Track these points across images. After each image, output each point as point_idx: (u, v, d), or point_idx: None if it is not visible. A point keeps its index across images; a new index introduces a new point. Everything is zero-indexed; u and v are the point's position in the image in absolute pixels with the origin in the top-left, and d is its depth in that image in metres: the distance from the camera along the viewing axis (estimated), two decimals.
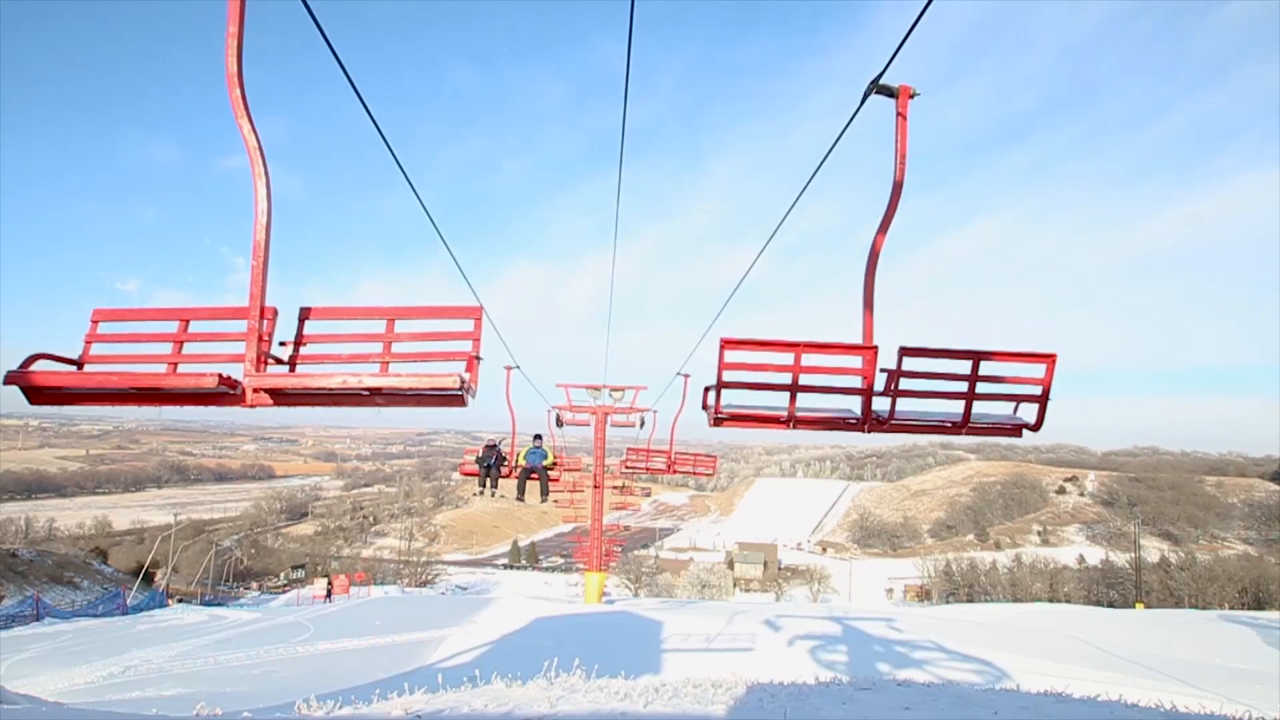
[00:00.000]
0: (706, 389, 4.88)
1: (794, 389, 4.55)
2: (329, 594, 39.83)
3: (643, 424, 22.53)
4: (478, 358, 4.16)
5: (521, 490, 15.09)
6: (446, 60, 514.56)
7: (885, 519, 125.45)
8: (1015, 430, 4.93)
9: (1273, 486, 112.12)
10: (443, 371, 4.01)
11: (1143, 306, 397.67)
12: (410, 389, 4.02)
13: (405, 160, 4.84)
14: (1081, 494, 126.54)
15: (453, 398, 4.00)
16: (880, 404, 4.66)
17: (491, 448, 15.19)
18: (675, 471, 22.61)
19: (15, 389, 3.79)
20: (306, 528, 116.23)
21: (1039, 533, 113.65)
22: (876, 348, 4.49)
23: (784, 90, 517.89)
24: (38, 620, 23.80)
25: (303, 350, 4.23)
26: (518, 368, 14.61)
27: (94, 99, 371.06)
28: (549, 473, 15.19)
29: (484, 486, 15.10)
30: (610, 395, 23.19)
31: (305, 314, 4.29)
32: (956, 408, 4.70)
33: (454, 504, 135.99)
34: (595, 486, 24.72)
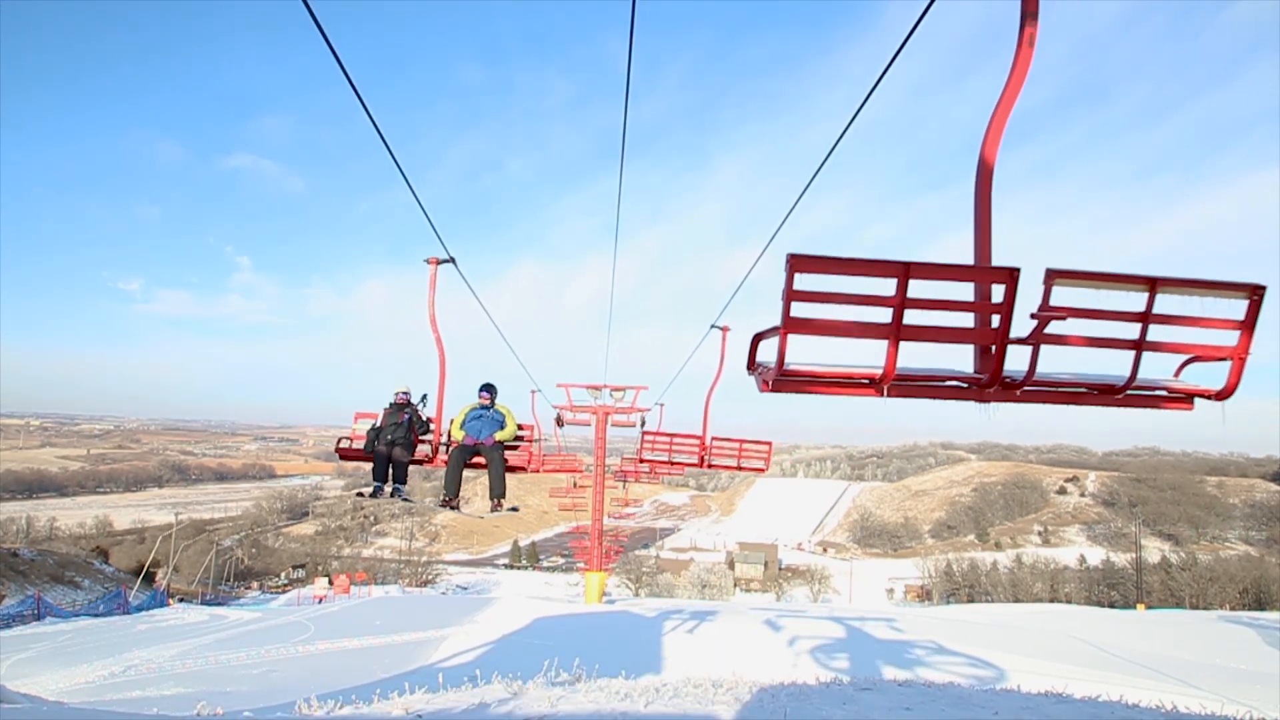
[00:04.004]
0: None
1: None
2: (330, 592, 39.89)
3: (643, 424, 22.53)
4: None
5: (454, 487, 8.42)
6: (454, 59, 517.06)
7: (886, 519, 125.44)
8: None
9: (1274, 487, 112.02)
10: None
11: None
12: None
13: (412, 158, 4.71)
14: (1082, 494, 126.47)
15: None
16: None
17: (401, 408, 8.49)
18: (656, 475, 23.64)
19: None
20: (307, 527, 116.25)
21: (1040, 533, 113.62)
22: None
23: (792, 90, 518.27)
24: (39, 619, 23.83)
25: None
26: (451, 261, 7.89)
27: (97, 97, 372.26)
28: (507, 454, 8.59)
29: (382, 481, 8.29)
30: (611, 395, 23.19)
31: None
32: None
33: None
34: (596, 487, 24.74)
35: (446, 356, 8.25)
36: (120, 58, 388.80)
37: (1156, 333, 3.22)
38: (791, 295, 2.95)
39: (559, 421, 22.22)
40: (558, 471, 22.81)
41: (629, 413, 23.06)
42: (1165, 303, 3.16)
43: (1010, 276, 3.03)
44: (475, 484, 8.64)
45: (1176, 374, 3.47)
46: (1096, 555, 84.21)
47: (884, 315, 3.03)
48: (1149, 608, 36.48)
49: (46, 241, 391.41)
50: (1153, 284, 3.10)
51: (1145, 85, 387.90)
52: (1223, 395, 3.45)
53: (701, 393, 15.41)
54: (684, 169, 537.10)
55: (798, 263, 2.91)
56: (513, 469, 8.83)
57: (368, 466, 8.44)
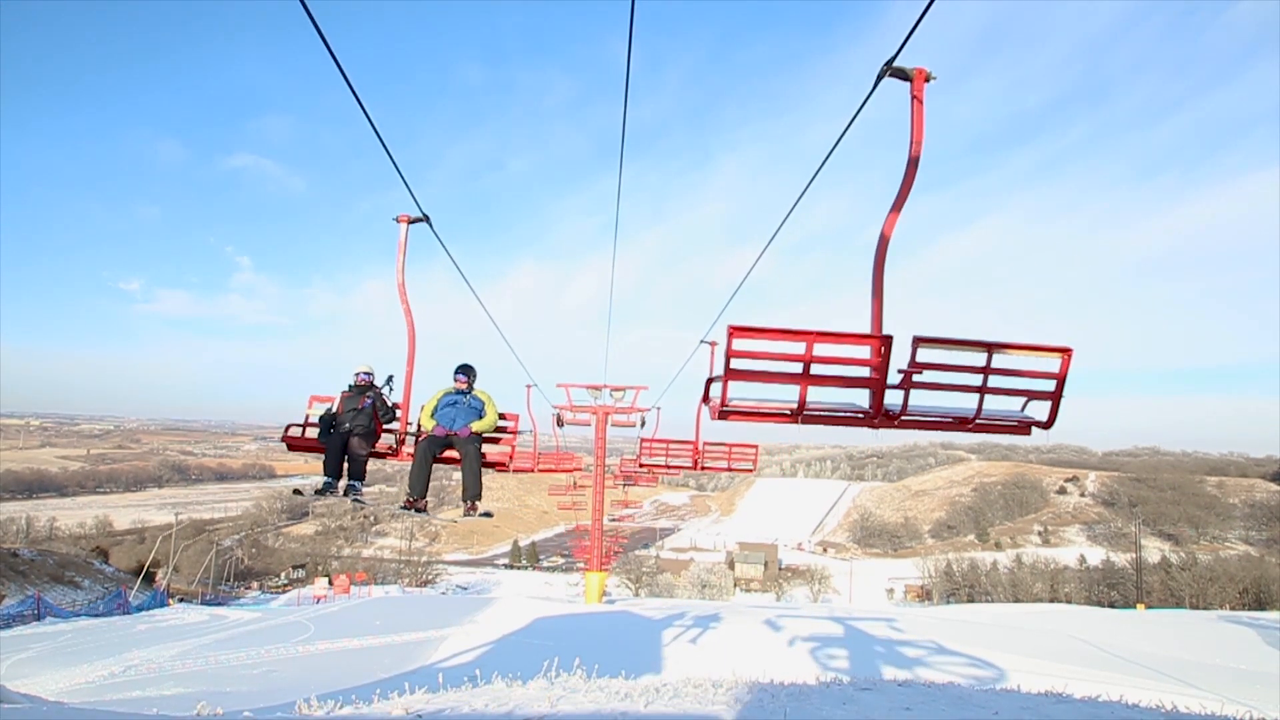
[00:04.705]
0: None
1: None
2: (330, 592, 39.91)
3: (643, 424, 22.54)
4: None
5: (421, 485, 6.88)
6: (454, 59, 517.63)
7: (886, 519, 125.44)
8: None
9: (1274, 487, 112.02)
10: None
11: (1145, 306, 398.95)
12: None
13: (413, 158, 4.66)
14: (1082, 494, 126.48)
15: None
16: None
17: (362, 391, 7.19)
18: (655, 478, 23.78)
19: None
20: (307, 527, 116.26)
21: (1040, 533, 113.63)
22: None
23: (792, 90, 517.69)
24: (39, 620, 23.83)
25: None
26: (425, 220, 6.81)
27: (97, 97, 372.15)
28: (485, 448, 7.23)
29: (334, 478, 6.90)
30: (611, 395, 23.20)
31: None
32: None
33: (454, 503, 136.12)
34: (596, 487, 24.74)
35: (417, 332, 7.08)
36: (121, 58, 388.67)
37: (1001, 380, 4.45)
38: (731, 354, 4.11)
39: (559, 421, 22.24)
40: (554, 471, 22.79)
41: (629, 413, 23.08)
42: (1003, 359, 4.36)
43: (885, 341, 4.21)
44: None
45: (1022, 409, 4.71)
46: (1096, 555, 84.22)
47: (797, 367, 4.20)
48: (1149, 608, 36.46)
49: (46, 241, 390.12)
50: (989, 347, 4.32)
51: (1145, 85, 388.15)
52: (1046, 425, 4.69)
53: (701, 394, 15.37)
54: (684, 169, 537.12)
55: (735, 331, 4.08)
56: (491, 465, 7.48)
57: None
